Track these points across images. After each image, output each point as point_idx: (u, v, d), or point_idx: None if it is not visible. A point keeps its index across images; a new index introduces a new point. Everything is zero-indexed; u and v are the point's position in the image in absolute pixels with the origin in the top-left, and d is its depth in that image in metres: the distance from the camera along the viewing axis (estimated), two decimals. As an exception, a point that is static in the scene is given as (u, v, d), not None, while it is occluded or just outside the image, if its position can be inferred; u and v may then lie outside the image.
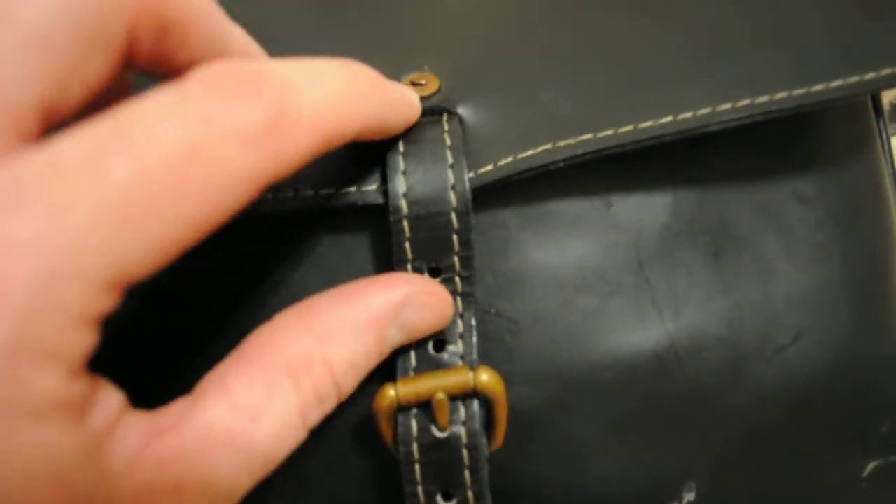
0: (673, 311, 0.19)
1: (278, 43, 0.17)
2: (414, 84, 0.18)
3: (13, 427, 0.10)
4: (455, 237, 0.16)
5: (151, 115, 0.11)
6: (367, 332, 0.15)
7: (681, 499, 0.19)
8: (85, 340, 0.11)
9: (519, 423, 0.18)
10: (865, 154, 0.23)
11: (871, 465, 0.21)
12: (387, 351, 0.16)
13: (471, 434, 0.16)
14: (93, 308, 0.11)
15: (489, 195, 0.18)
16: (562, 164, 0.17)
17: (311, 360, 0.14)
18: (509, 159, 0.17)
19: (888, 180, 0.23)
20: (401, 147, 0.17)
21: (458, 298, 0.17)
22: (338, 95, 0.13)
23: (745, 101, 0.18)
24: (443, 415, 0.16)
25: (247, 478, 0.13)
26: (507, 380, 0.17)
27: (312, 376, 0.14)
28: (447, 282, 0.17)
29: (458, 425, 0.16)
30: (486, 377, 0.16)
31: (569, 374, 0.18)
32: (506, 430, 0.17)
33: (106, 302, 0.11)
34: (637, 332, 0.19)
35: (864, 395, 0.21)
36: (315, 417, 0.14)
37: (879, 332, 0.21)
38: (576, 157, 0.17)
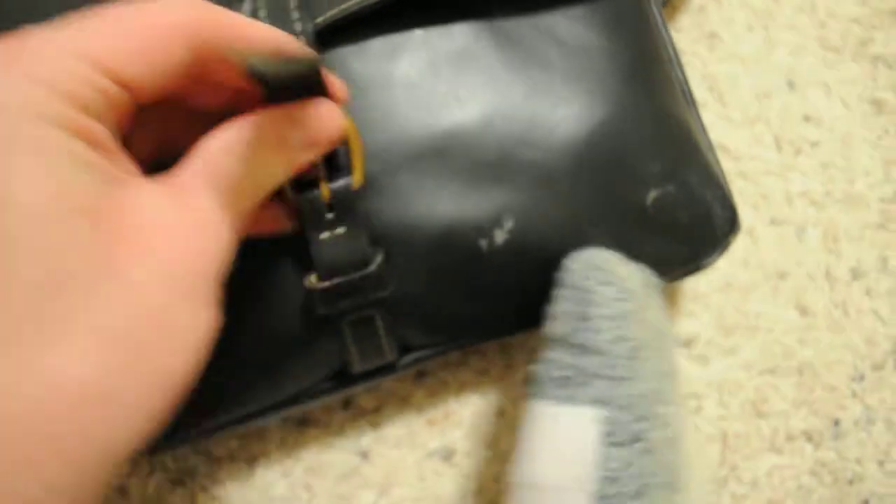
0: (476, 98, 0.28)
1: None
2: None
3: None
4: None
5: None
6: None
7: (503, 226, 0.28)
8: None
9: (372, 183, 0.27)
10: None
11: (651, 195, 0.29)
12: None
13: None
14: None
15: (334, 38, 0.27)
16: (371, 9, 0.27)
17: None
18: (335, 10, 0.27)
19: (648, 4, 0.32)
20: (261, 14, 0.26)
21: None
22: None
23: None
24: None
25: None
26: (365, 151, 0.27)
27: None
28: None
29: None
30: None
31: (402, 145, 0.27)
32: (364, 193, 0.26)
33: None
34: (450, 113, 0.28)
35: (636, 147, 0.29)
36: None
37: (645, 102, 0.30)
38: (378, 3, 0.27)
